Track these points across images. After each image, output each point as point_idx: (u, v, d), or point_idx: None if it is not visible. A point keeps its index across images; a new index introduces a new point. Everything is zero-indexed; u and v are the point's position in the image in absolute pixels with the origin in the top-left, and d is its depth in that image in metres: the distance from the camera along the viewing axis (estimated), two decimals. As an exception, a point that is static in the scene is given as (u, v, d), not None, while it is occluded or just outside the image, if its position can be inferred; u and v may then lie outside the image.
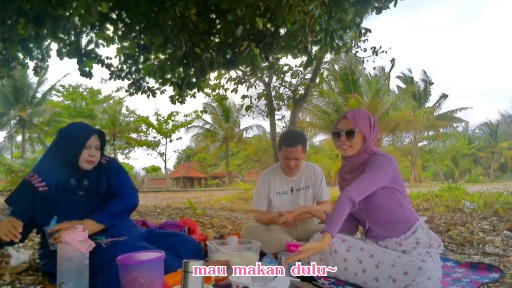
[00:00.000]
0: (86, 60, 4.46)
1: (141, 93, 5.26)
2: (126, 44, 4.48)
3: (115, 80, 5.12)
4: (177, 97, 5.29)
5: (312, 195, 2.76)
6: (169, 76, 4.82)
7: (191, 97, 5.34)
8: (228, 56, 4.15)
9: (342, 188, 1.97)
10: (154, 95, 5.28)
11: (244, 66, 5.35)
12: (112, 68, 5.01)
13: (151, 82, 5.30)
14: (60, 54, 4.43)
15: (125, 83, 5.29)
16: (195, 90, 4.78)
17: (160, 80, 4.96)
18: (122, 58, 4.91)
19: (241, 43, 3.38)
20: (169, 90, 5.31)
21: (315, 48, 4.20)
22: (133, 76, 5.16)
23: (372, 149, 1.88)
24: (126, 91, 5.43)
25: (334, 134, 1.90)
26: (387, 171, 1.79)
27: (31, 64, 5.08)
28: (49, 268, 1.79)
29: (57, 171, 1.91)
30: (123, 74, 5.07)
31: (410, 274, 1.55)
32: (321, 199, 2.74)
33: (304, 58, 8.01)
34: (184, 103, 5.44)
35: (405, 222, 1.82)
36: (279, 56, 5.70)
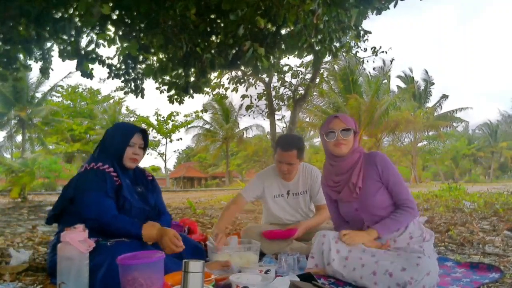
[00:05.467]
0: (85, 61, 4.44)
1: (134, 94, 5.22)
2: (127, 44, 4.46)
3: (112, 79, 5.10)
4: (175, 97, 5.24)
5: (309, 199, 2.67)
6: (168, 78, 4.80)
7: (189, 97, 5.28)
8: (229, 57, 4.12)
9: (335, 191, 1.99)
10: (142, 96, 5.24)
11: (247, 67, 5.31)
12: (113, 68, 4.99)
13: (146, 83, 5.28)
14: (61, 55, 4.41)
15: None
16: (196, 91, 4.74)
17: (160, 80, 4.94)
18: (121, 57, 4.89)
19: (244, 43, 3.37)
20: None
21: (318, 47, 4.17)
22: (131, 75, 5.13)
23: (359, 148, 1.99)
24: (121, 88, 5.37)
25: (328, 133, 1.94)
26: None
27: (36, 66, 5.03)
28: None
29: (112, 170, 1.90)
30: (121, 73, 5.04)
31: (408, 270, 1.58)
32: (319, 203, 2.63)
33: (306, 59, 8.08)
34: (182, 103, 5.38)
35: None
36: (279, 56, 5.68)
